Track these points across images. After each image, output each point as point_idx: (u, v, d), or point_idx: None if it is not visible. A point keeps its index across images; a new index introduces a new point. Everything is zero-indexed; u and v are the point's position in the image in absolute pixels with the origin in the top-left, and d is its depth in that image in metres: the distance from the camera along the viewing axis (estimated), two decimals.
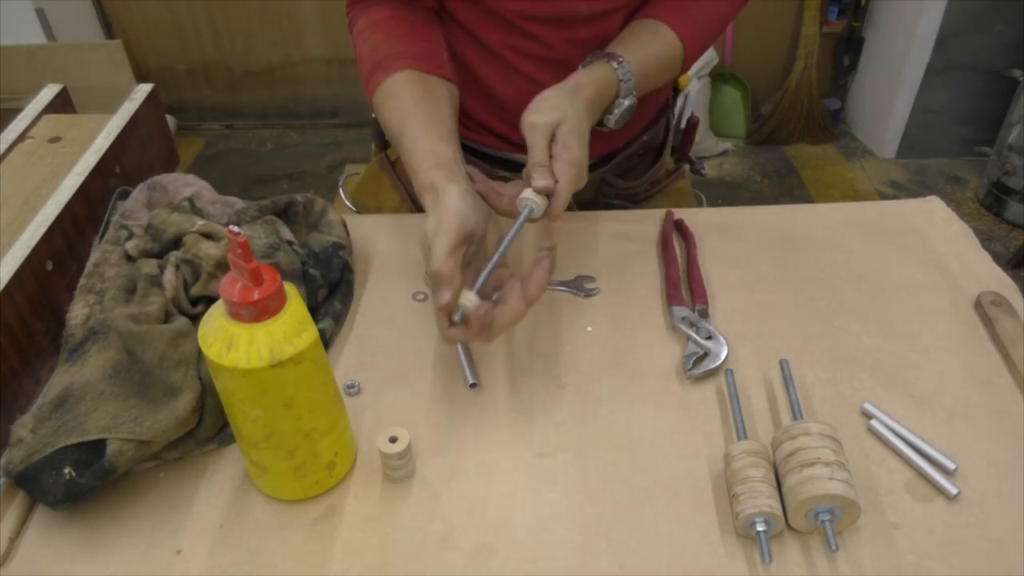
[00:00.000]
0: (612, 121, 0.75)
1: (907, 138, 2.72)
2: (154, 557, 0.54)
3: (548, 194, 0.63)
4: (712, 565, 0.53)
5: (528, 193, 0.63)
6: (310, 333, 0.51)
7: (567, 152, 0.64)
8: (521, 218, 0.62)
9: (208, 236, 0.70)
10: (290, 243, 0.75)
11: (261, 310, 0.48)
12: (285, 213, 0.78)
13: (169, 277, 0.66)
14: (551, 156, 0.65)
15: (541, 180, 0.63)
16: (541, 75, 0.83)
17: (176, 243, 0.69)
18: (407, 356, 0.70)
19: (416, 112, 0.70)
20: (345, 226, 0.79)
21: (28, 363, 0.65)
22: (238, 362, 0.48)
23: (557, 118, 0.65)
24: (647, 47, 0.76)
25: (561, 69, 0.83)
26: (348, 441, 0.59)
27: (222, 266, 0.68)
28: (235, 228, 0.46)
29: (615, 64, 0.73)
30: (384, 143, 1.02)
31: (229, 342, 0.48)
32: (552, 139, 0.65)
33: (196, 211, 0.74)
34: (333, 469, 0.57)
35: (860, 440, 0.61)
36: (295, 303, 0.51)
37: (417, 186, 0.67)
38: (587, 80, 0.71)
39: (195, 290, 0.66)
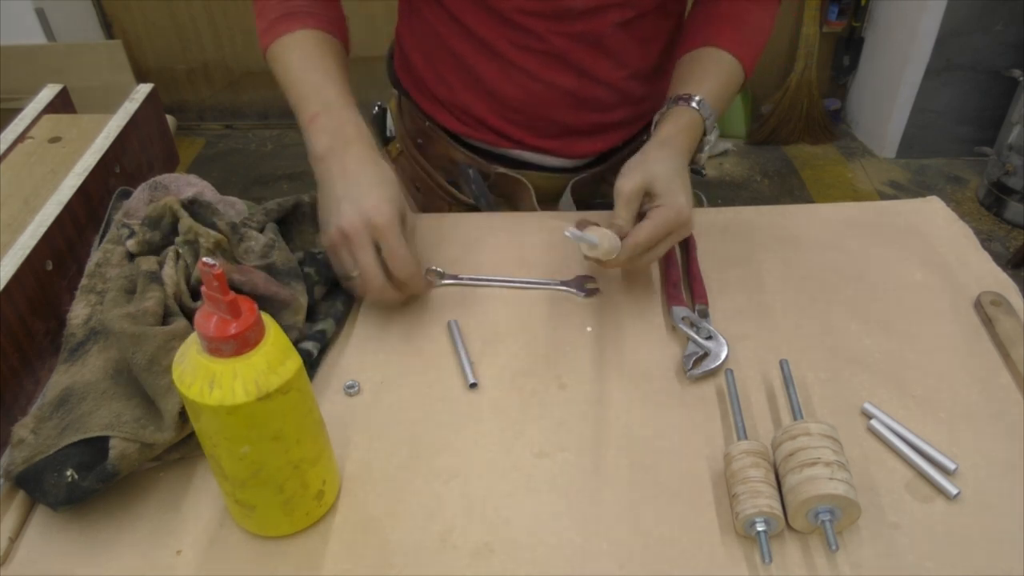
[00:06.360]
0: (703, 159, 0.78)
1: (907, 138, 2.72)
2: (154, 557, 0.54)
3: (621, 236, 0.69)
4: (712, 565, 0.53)
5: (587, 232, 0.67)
6: (294, 360, 0.49)
7: (667, 198, 0.69)
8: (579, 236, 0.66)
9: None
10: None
11: (242, 343, 0.46)
12: (293, 214, 0.78)
13: (168, 271, 0.66)
14: (652, 208, 0.69)
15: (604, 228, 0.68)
16: (538, 69, 0.83)
17: (174, 229, 0.70)
18: (407, 356, 0.70)
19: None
20: None
21: (28, 363, 0.65)
22: (223, 399, 0.46)
23: (642, 181, 0.69)
24: (717, 79, 0.79)
25: (558, 63, 0.83)
26: (334, 467, 0.57)
27: (220, 245, 0.68)
28: (209, 260, 0.43)
29: (695, 105, 0.75)
30: (384, 140, 1.02)
31: (211, 380, 0.46)
32: (648, 195, 0.70)
33: (204, 207, 0.73)
34: (322, 498, 0.56)
35: (860, 440, 0.61)
36: (274, 331, 0.48)
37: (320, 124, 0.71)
38: (674, 130, 0.74)
39: (196, 274, 0.66)
